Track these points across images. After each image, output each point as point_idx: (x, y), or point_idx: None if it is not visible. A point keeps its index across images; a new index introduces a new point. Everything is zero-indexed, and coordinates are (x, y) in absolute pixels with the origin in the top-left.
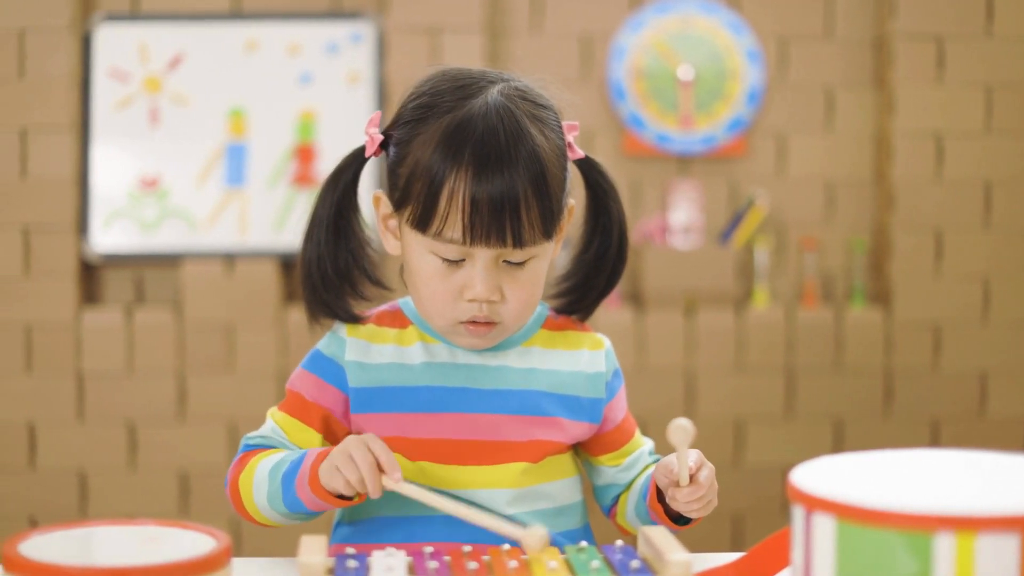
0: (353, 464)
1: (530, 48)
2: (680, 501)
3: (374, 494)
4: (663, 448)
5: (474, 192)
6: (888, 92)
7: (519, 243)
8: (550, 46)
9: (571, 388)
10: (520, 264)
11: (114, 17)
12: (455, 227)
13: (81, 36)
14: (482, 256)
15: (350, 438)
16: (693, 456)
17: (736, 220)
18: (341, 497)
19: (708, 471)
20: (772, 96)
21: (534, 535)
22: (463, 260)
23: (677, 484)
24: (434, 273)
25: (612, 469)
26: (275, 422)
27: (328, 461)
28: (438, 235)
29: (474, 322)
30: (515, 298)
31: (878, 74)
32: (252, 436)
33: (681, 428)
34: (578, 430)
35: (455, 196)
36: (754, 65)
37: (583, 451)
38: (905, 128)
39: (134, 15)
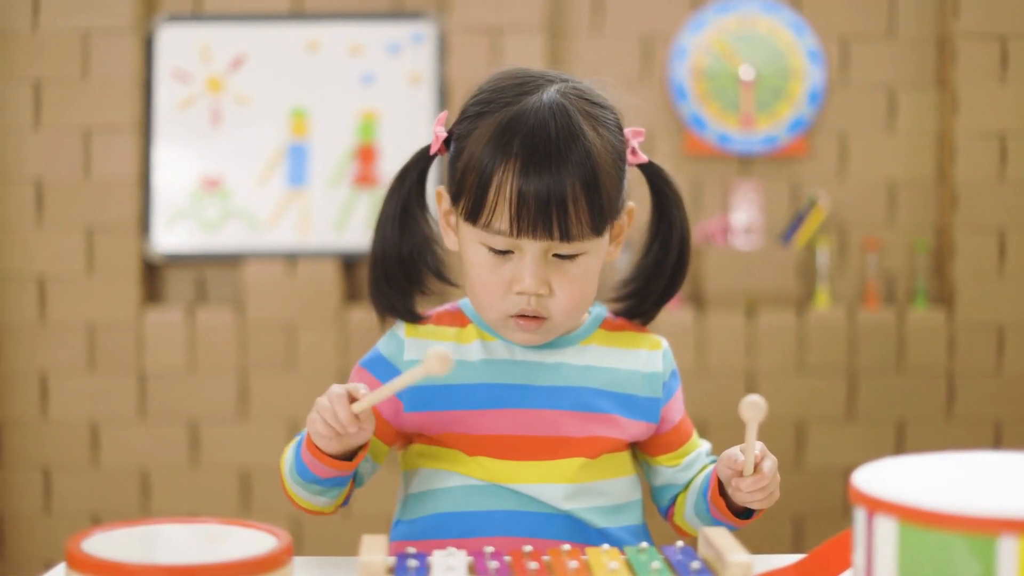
0: (327, 403)
1: (591, 48)
2: (743, 491)
3: (346, 421)
4: (720, 445)
5: (521, 184)
6: (951, 92)
7: (566, 237)
8: (611, 46)
9: (628, 387)
10: (569, 259)
11: (176, 18)
12: (503, 218)
13: (144, 37)
14: (530, 249)
15: (331, 389)
16: (757, 447)
17: (797, 221)
18: (339, 458)
19: (771, 462)
20: (834, 96)
21: (434, 354)
22: (512, 252)
23: (740, 474)
24: (485, 265)
25: (670, 469)
26: None
27: (311, 413)
28: (487, 226)
29: (523, 316)
30: (563, 293)
31: (941, 74)
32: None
33: (753, 404)
34: (635, 429)
35: (503, 188)
36: (816, 65)
37: (641, 452)
38: (968, 128)
39: (196, 16)
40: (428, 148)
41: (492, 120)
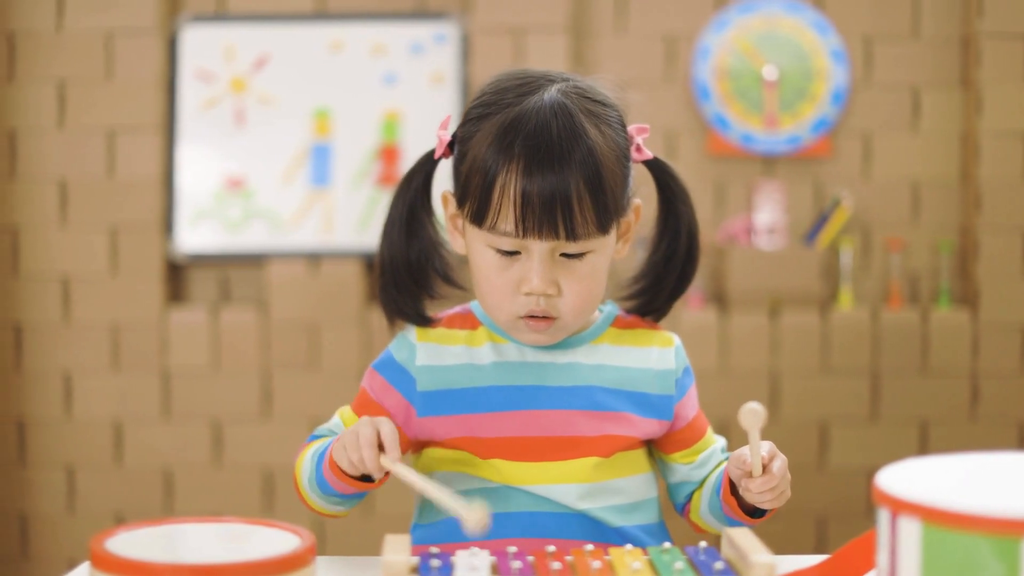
0: (356, 442)
1: (614, 48)
2: (753, 492)
3: (373, 471)
4: (737, 446)
5: (525, 185)
6: (975, 92)
7: (572, 236)
8: (634, 46)
9: (640, 385)
10: (577, 257)
11: (200, 18)
12: (508, 220)
13: (167, 37)
14: (537, 249)
15: (363, 419)
16: (766, 447)
17: (821, 221)
18: (359, 480)
19: (781, 461)
20: (857, 96)
21: (473, 515)
22: (519, 253)
23: (750, 475)
24: (492, 267)
25: (685, 467)
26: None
27: (339, 440)
28: (493, 228)
29: (532, 316)
30: (572, 292)
31: (965, 74)
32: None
33: (752, 412)
34: (649, 427)
35: (507, 189)
36: (839, 65)
37: (656, 449)
38: (992, 128)
39: (220, 16)
40: (432, 152)
41: (494, 122)
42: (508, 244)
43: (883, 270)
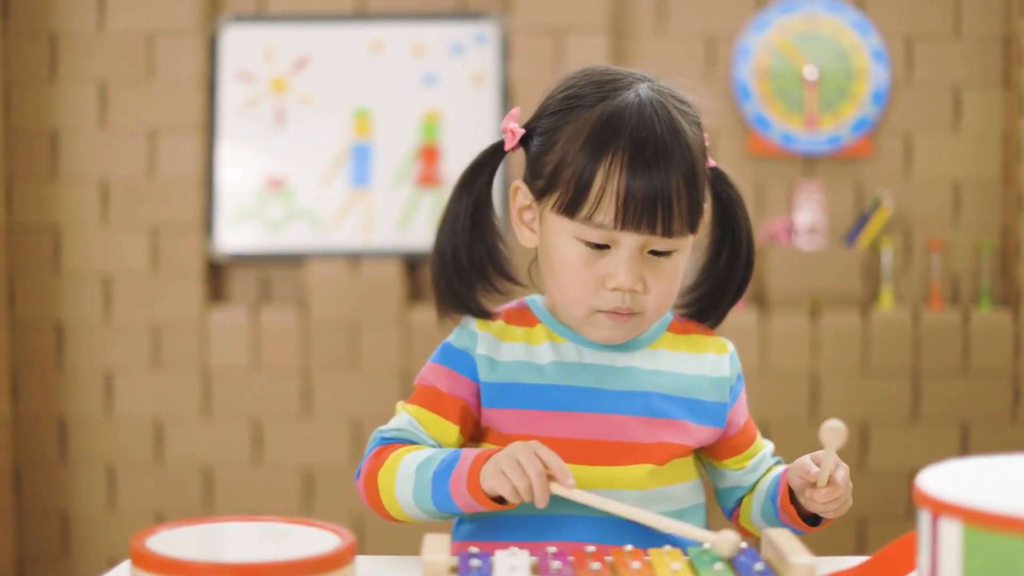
0: (522, 471)
1: (654, 48)
2: (818, 502)
3: (541, 503)
4: (783, 446)
5: (629, 178)
6: (1017, 91)
7: (668, 233)
8: (674, 46)
9: (696, 392)
10: (664, 255)
11: (240, 18)
12: (607, 212)
13: (208, 37)
14: (627, 244)
15: (516, 444)
16: (831, 460)
17: (862, 221)
18: (499, 500)
19: (844, 471)
20: (898, 96)
21: (726, 540)
22: (607, 247)
23: (813, 485)
24: (578, 260)
25: (736, 472)
26: (411, 415)
27: (493, 465)
28: (588, 219)
29: (615, 312)
30: (657, 289)
31: (1006, 73)
32: (386, 430)
33: (833, 429)
34: (703, 434)
35: (609, 182)
36: (880, 65)
37: (706, 455)
38: None
39: (260, 16)
40: (499, 145)
41: (588, 115)
42: (600, 237)
43: (924, 270)
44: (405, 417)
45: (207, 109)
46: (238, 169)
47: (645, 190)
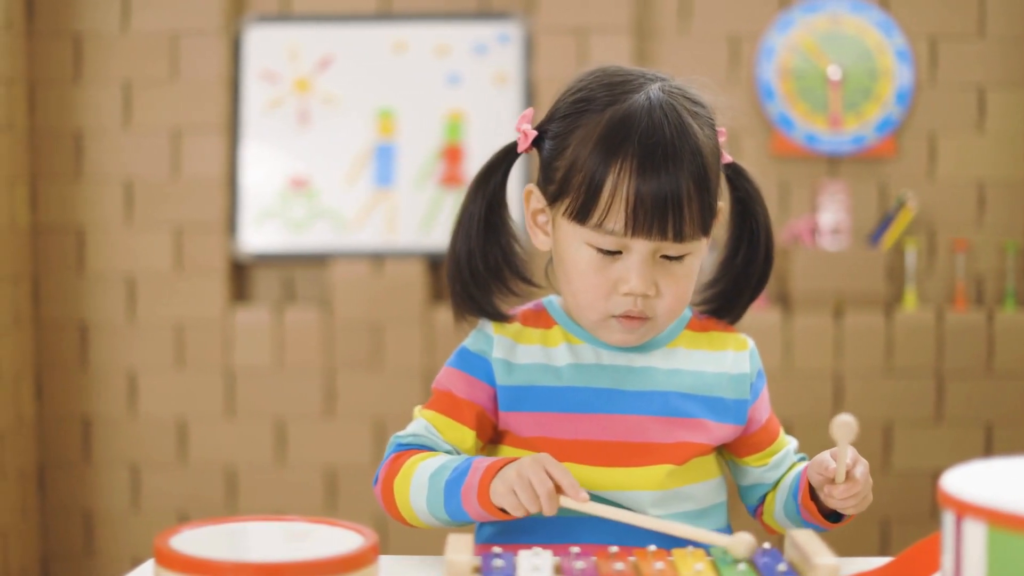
0: (531, 490)
1: (678, 48)
2: (836, 498)
3: (549, 513)
4: (807, 447)
5: (639, 185)
6: None
7: (679, 237)
8: (698, 46)
9: (716, 390)
10: (677, 259)
11: (264, 18)
12: (617, 218)
13: (232, 38)
14: (639, 249)
15: (525, 460)
16: (850, 453)
17: (886, 221)
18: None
19: (863, 467)
20: (922, 96)
21: (741, 542)
22: (619, 253)
23: (832, 481)
24: (589, 265)
25: (758, 469)
26: (427, 420)
27: (501, 481)
28: (598, 226)
29: (628, 316)
30: (669, 293)
31: None
32: (403, 435)
33: (845, 424)
34: (723, 432)
35: (619, 188)
36: (904, 64)
37: (728, 452)
38: None
39: (284, 16)
40: (513, 146)
41: (598, 118)
42: (611, 243)
43: (948, 271)
44: (421, 423)
45: (231, 109)
46: (262, 169)
47: (655, 196)
